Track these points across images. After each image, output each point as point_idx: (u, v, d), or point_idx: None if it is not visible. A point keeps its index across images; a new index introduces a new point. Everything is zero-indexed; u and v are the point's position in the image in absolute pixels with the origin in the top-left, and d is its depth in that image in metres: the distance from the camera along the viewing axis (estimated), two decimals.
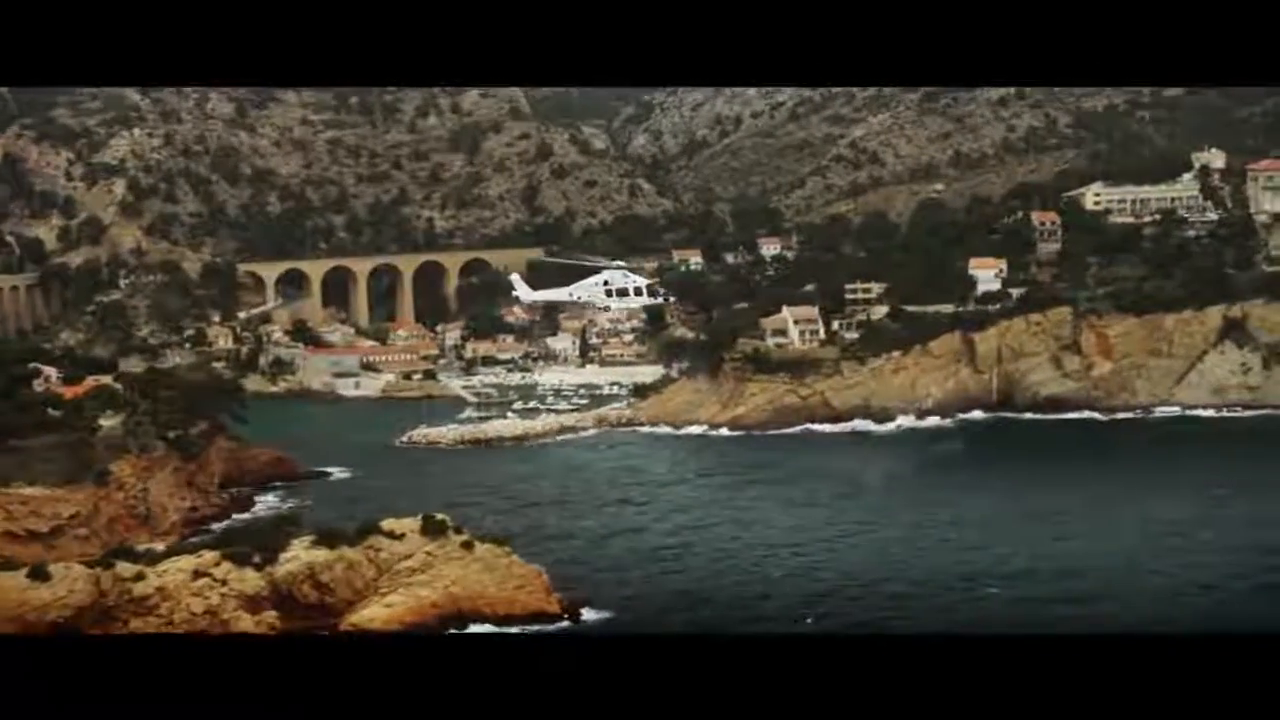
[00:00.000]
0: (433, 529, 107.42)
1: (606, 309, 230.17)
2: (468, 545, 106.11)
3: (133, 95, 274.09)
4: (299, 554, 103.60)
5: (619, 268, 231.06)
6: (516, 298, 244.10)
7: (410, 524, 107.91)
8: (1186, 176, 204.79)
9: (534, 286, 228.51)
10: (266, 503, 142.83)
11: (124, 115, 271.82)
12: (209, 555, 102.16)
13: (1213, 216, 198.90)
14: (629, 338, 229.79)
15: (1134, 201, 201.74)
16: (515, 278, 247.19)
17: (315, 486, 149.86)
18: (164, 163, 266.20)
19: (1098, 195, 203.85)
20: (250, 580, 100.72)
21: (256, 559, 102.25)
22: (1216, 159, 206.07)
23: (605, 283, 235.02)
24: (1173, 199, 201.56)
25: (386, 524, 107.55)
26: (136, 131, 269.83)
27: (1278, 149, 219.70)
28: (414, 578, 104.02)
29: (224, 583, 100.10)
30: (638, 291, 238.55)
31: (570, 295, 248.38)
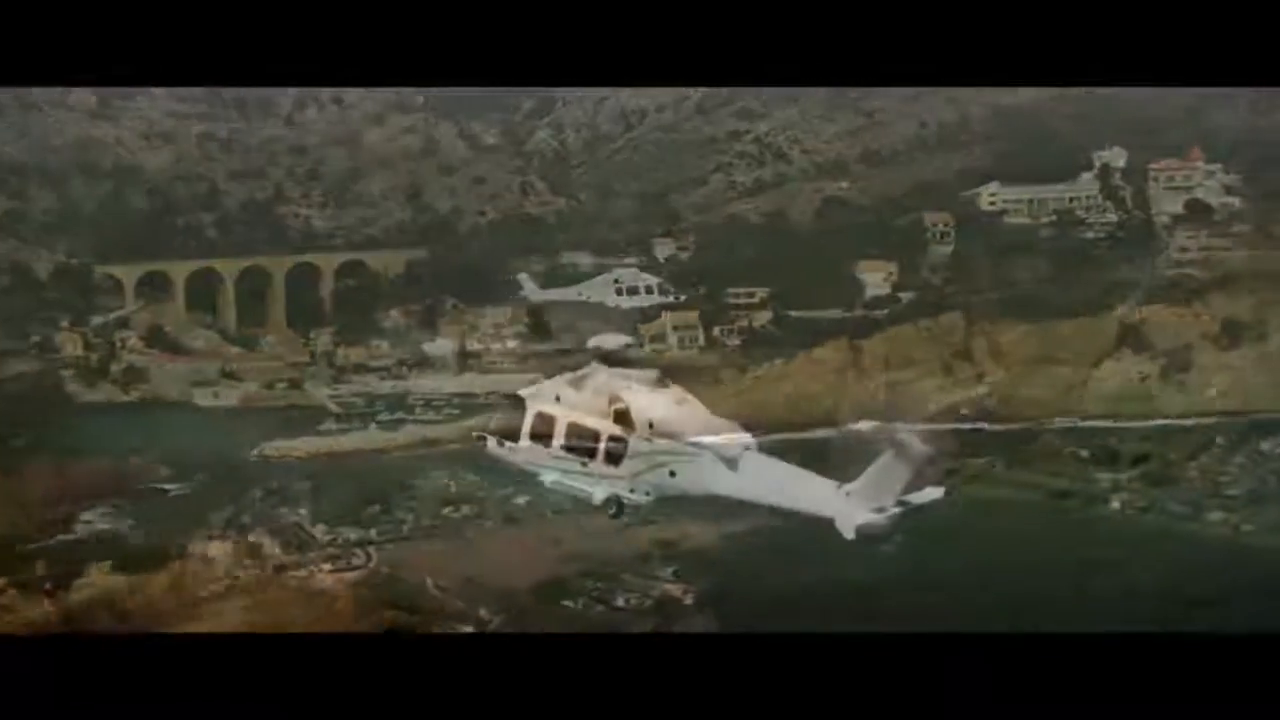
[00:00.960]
0: (244, 552, 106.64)
1: (617, 308, 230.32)
2: (280, 569, 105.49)
3: None
4: (95, 580, 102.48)
5: (629, 266, 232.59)
6: (525, 297, 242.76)
7: (220, 547, 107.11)
8: (1086, 176, 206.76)
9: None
10: (91, 522, 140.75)
11: None
12: None
13: (1112, 218, 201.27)
14: (511, 344, 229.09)
15: (1031, 202, 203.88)
16: (523, 276, 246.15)
17: (148, 504, 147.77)
18: (15, 155, 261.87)
19: (993, 195, 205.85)
20: (39, 609, 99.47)
21: (48, 585, 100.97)
22: (1118, 158, 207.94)
23: (616, 281, 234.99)
24: (1071, 199, 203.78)
25: (195, 547, 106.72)
26: None
27: (1186, 148, 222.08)
28: (220, 604, 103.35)
29: (10, 610, 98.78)
30: (648, 290, 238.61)
31: (579, 294, 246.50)
